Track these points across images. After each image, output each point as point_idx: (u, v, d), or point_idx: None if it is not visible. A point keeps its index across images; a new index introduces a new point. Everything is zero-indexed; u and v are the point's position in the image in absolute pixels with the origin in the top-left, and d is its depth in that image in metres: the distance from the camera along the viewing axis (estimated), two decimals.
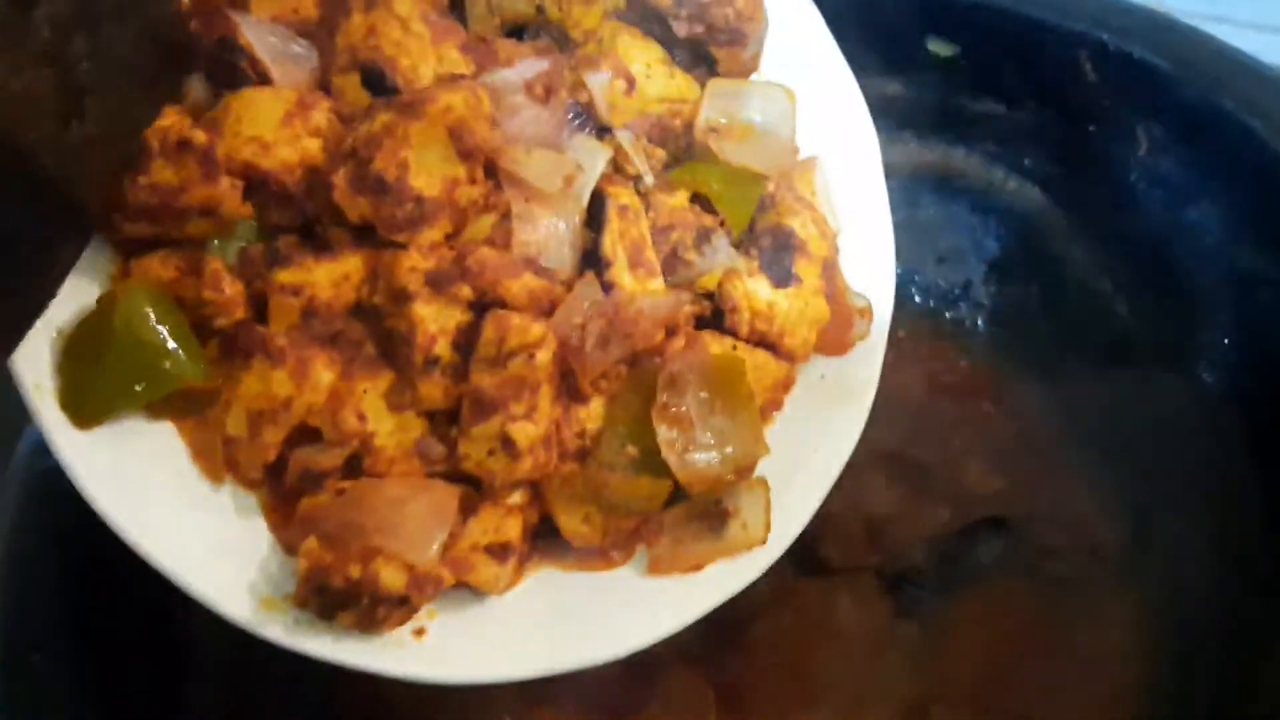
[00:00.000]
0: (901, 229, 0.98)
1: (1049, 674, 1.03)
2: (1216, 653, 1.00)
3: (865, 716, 1.02)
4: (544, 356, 0.78)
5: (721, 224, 0.88)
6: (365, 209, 0.77)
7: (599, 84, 0.87)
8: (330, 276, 0.79)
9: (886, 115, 1.01)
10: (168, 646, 0.97)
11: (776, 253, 0.88)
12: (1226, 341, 1.11)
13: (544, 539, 0.85)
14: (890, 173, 0.97)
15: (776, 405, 0.90)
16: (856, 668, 1.05)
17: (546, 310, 0.80)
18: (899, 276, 0.97)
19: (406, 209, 0.77)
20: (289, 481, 0.79)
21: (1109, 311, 1.22)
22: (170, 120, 0.77)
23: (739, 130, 0.91)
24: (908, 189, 1.07)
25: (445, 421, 0.81)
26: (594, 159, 0.84)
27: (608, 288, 0.82)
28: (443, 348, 0.78)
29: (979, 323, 1.29)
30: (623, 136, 0.87)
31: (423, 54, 0.82)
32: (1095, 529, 1.12)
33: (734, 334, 0.87)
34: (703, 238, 0.87)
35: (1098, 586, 1.08)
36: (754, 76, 0.96)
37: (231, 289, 0.78)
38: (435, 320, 0.78)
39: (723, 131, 0.90)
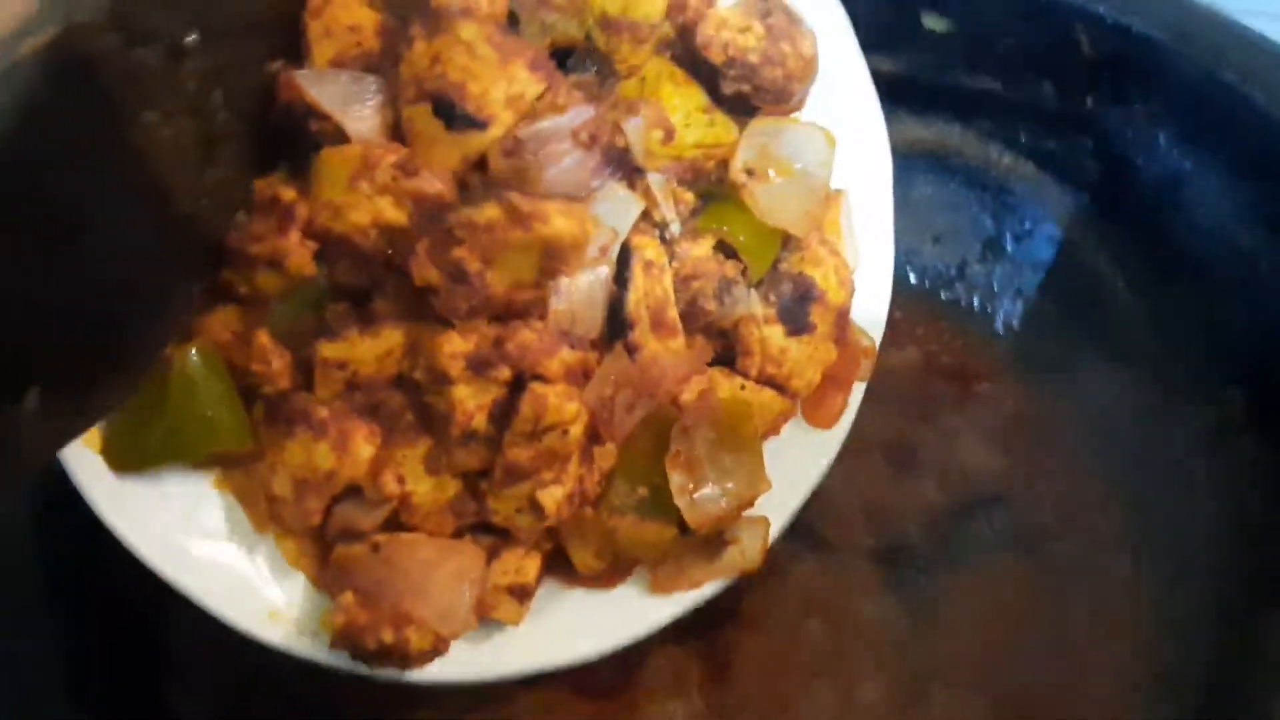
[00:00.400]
0: (897, 208, 0.99)
1: (1046, 650, 1.04)
2: (1214, 626, 0.99)
3: (860, 693, 1.02)
4: (576, 431, 0.82)
5: (744, 272, 0.90)
6: (434, 281, 0.78)
7: (636, 131, 0.86)
8: (374, 352, 0.81)
9: (881, 92, 1.00)
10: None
11: (796, 301, 0.90)
12: (1228, 318, 1.10)
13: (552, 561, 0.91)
14: None
15: (774, 432, 0.94)
16: (851, 645, 1.05)
17: (580, 379, 0.83)
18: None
19: (472, 302, 0.79)
20: (329, 534, 0.84)
21: (1108, 288, 1.21)
22: (270, 180, 0.81)
23: (775, 172, 0.91)
24: (903, 167, 1.06)
25: (477, 478, 0.85)
26: (626, 213, 0.85)
27: (632, 349, 0.85)
28: (479, 422, 0.82)
29: (975, 302, 1.28)
30: (654, 181, 0.88)
31: (492, 77, 0.80)
32: (1093, 507, 1.12)
33: (744, 375, 0.90)
34: (724, 289, 0.88)
35: (1095, 564, 1.08)
36: None
37: (278, 361, 0.81)
38: (473, 399, 0.81)
39: (758, 174, 0.90)
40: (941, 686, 1.02)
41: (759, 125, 0.92)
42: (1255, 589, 0.99)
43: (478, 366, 0.80)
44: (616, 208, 0.85)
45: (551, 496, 0.83)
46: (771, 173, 0.90)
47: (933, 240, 1.29)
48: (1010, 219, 1.26)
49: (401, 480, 0.83)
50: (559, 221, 0.79)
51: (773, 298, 0.91)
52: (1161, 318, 1.16)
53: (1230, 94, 1.05)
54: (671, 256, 0.88)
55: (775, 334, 0.90)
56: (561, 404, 0.81)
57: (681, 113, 0.90)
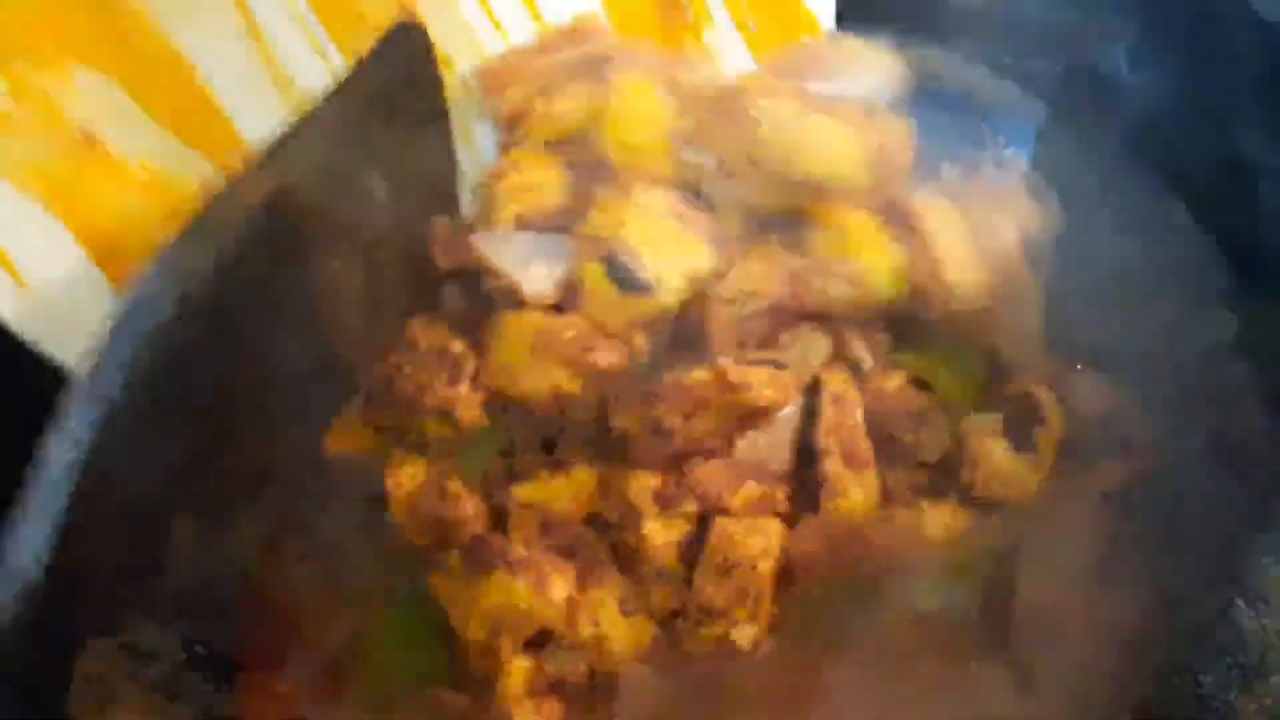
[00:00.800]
0: None
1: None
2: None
3: None
4: (765, 567, 0.83)
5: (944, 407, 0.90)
6: (631, 429, 0.82)
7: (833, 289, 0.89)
8: (566, 492, 0.85)
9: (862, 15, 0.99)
10: None
11: (1023, 419, 0.90)
12: (1219, 234, 1.10)
13: None
14: None
15: None
16: None
17: (767, 511, 0.85)
18: None
19: (667, 453, 0.82)
20: (536, 684, 0.83)
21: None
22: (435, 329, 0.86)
23: None
24: None
25: (672, 619, 0.85)
26: (815, 353, 0.89)
27: (821, 480, 0.85)
28: (670, 559, 0.84)
29: None
30: (846, 327, 0.90)
31: (669, 248, 0.84)
32: None
33: (966, 489, 0.89)
34: (919, 420, 0.89)
35: None
36: None
37: (471, 506, 0.85)
38: (663, 534, 0.83)
39: None
40: None
41: None
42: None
43: (665, 502, 0.83)
44: (806, 348, 0.89)
45: (745, 635, 0.83)
46: None
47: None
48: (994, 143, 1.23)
49: (597, 623, 0.83)
50: (765, 391, 0.82)
51: (997, 416, 0.91)
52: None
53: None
54: (864, 392, 0.88)
55: (1000, 447, 0.89)
56: (747, 537, 0.82)
57: (874, 270, 0.91)
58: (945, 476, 0.93)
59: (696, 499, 0.84)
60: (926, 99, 1.22)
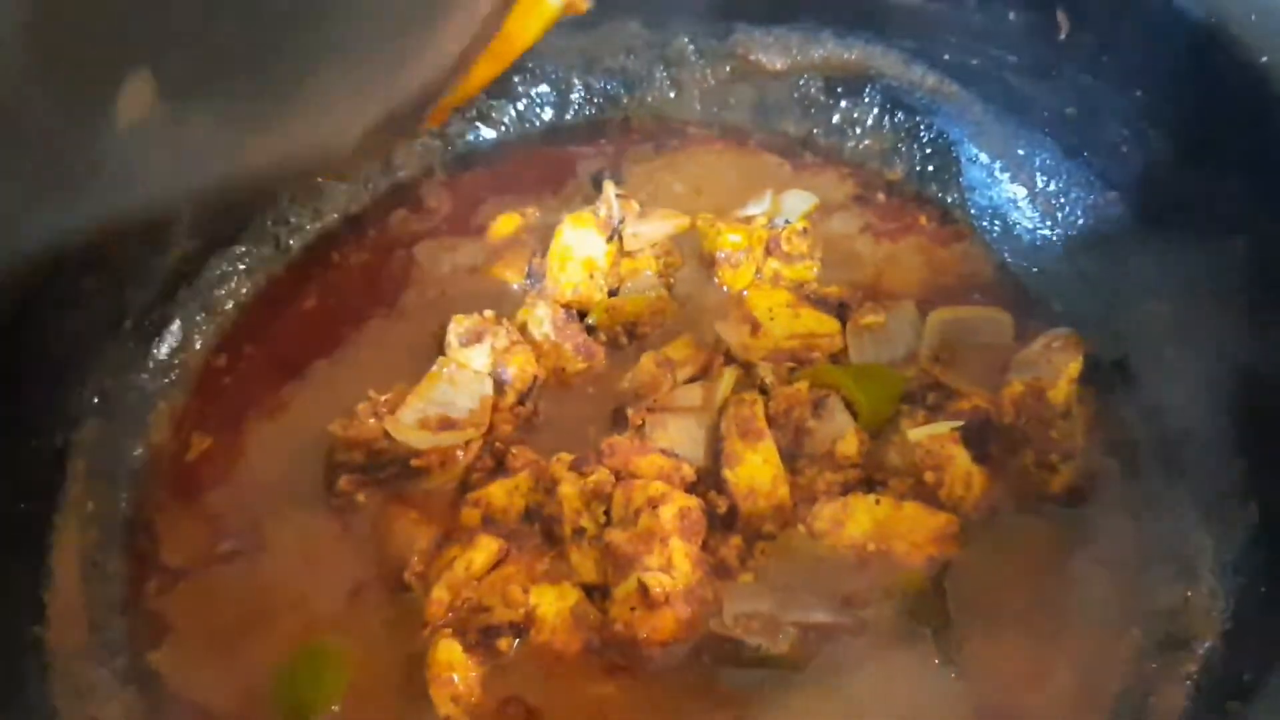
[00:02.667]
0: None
1: None
2: None
3: None
4: (668, 510, 0.92)
5: (850, 409, 1.01)
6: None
7: (726, 331, 1.09)
8: (504, 489, 0.98)
9: (805, 13, 1.04)
10: None
11: (978, 430, 1.00)
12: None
13: None
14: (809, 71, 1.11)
15: (935, 550, 0.96)
16: None
17: (677, 484, 0.96)
18: None
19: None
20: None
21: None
22: None
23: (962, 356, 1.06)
24: (827, 89, 1.10)
25: (600, 597, 0.93)
26: (726, 381, 1.04)
27: (729, 459, 0.97)
28: (586, 521, 0.94)
29: None
30: (759, 366, 1.05)
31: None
32: None
33: (934, 493, 0.97)
34: (819, 406, 1.01)
35: None
36: None
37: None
38: (578, 497, 0.95)
39: (944, 361, 1.06)
40: None
41: (941, 315, 1.09)
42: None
43: (577, 466, 0.96)
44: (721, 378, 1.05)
45: (659, 581, 0.89)
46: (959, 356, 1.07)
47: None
48: (936, 138, 1.24)
49: (526, 590, 0.92)
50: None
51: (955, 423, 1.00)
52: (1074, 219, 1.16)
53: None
54: (769, 398, 1.01)
55: (960, 454, 0.98)
56: (648, 486, 0.93)
57: (764, 309, 1.10)
58: (892, 476, 1.00)
59: (606, 464, 0.96)
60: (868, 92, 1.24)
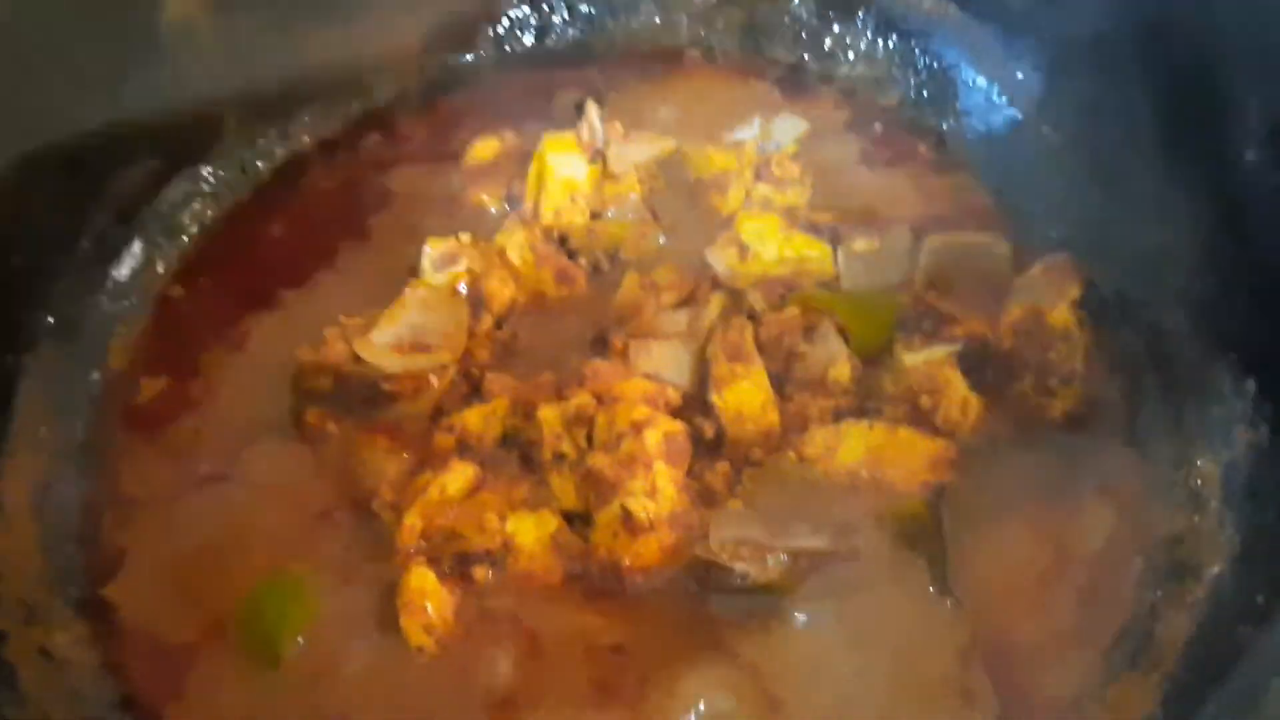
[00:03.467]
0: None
1: None
2: None
3: None
4: (653, 435, 0.87)
5: (843, 335, 0.97)
6: None
7: (714, 257, 1.04)
8: (479, 414, 0.93)
9: None
10: None
11: (977, 358, 0.96)
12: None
13: None
14: None
15: (932, 477, 0.92)
16: None
17: (662, 408, 0.91)
18: None
19: None
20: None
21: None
22: None
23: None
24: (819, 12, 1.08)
25: (581, 524, 0.89)
26: (715, 304, 0.99)
27: (716, 383, 0.93)
28: (567, 445, 0.90)
29: None
30: (747, 292, 1.00)
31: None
32: None
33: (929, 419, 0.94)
34: (809, 331, 0.97)
35: None
36: None
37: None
38: (559, 420, 0.90)
39: (940, 287, 1.01)
40: None
41: (936, 242, 1.04)
42: None
43: (557, 390, 0.93)
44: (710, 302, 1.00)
45: (643, 507, 0.85)
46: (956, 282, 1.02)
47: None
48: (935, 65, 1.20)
49: (503, 518, 0.87)
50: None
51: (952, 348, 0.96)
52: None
53: None
54: (759, 324, 0.97)
55: (957, 379, 0.94)
56: (631, 410, 0.89)
57: (756, 234, 1.04)
58: (886, 403, 0.96)
59: (588, 387, 0.91)
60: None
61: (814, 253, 1.04)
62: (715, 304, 1.00)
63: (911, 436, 0.92)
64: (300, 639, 0.87)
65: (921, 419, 0.94)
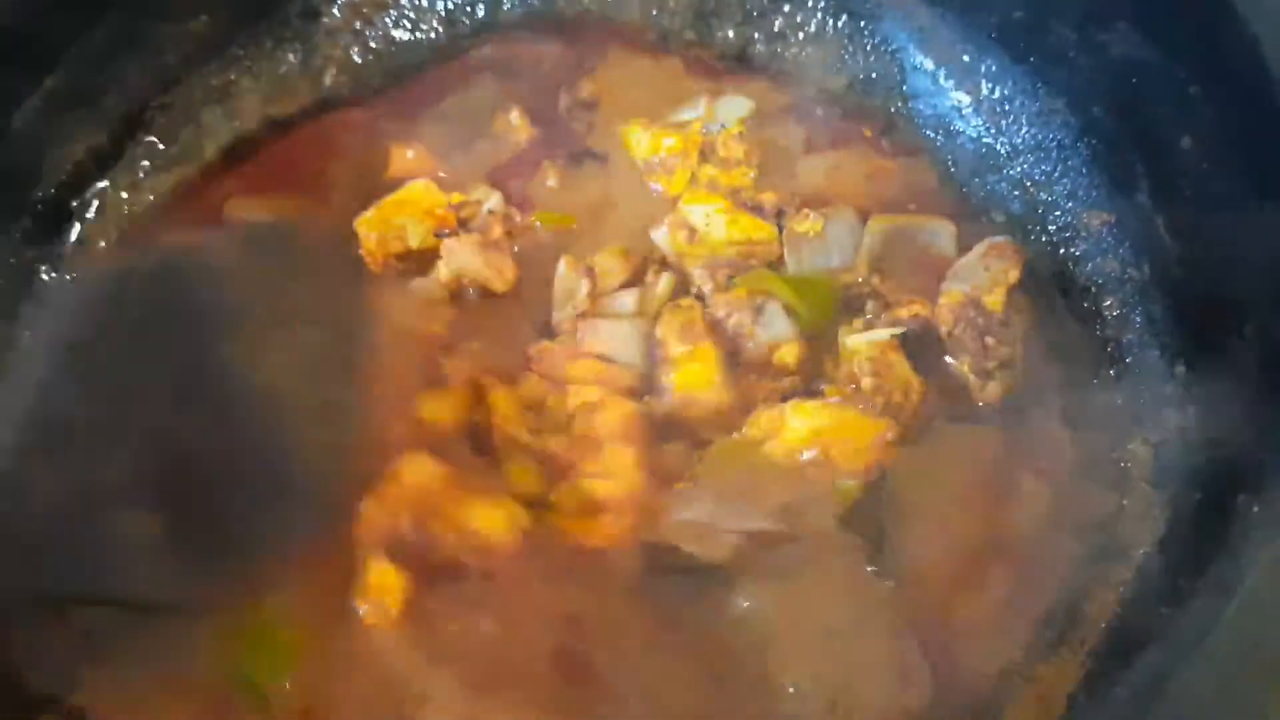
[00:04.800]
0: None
1: None
2: None
3: None
4: (606, 416, 0.90)
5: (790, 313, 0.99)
6: None
7: (660, 238, 1.05)
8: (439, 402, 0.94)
9: None
10: None
11: (917, 338, 0.98)
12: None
13: None
14: None
15: (877, 460, 0.94)
16: None
17: (613, 390, 0.93)
18: None
19: None
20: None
21: None
22: None
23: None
24: None
25: (540, 508, 0.90)
26: (661, 285, 1.01)
27: (667, 364, 0.95)
28: (517, 428, 0.91)
29: None
30: (694, 273, 1.02)
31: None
32: None
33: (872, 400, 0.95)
34: (758, 312, 0.98)
35: None
36: None
37: None
38: (506, 400, 0.92)
39: (884, 270, 1.03)
40: None
41: (880, 223, 1.05)
42: None
43: (508, 376, 0.94)
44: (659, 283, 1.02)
45: (604, 488, 0.88)
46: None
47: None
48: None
49: (463, 506, 0.88)
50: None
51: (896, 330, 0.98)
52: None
53: None
54: (706, 305, 0.99)
55: (900, 361, 0.96)
56: (581, 390, 0.91)
57: (702, 213, 1.05)
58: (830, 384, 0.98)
59: (536, 371, 0.94)
60: None
61: (760, 234, 1.05)
62: (665, 283, 1.01)
63: (855, 418, 0.94)
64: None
65: (864, 401, 0.95)
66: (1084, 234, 1.04)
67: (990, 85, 1.14)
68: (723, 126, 1.13)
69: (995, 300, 0.99)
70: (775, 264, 1.05)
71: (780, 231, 1.06)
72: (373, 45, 1.24)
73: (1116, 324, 0.99)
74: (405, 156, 1.12)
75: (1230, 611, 0.62)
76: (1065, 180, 1.07)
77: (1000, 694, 0.82)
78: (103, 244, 1.10)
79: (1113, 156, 1.01)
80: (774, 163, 1.13)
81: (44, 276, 1.07)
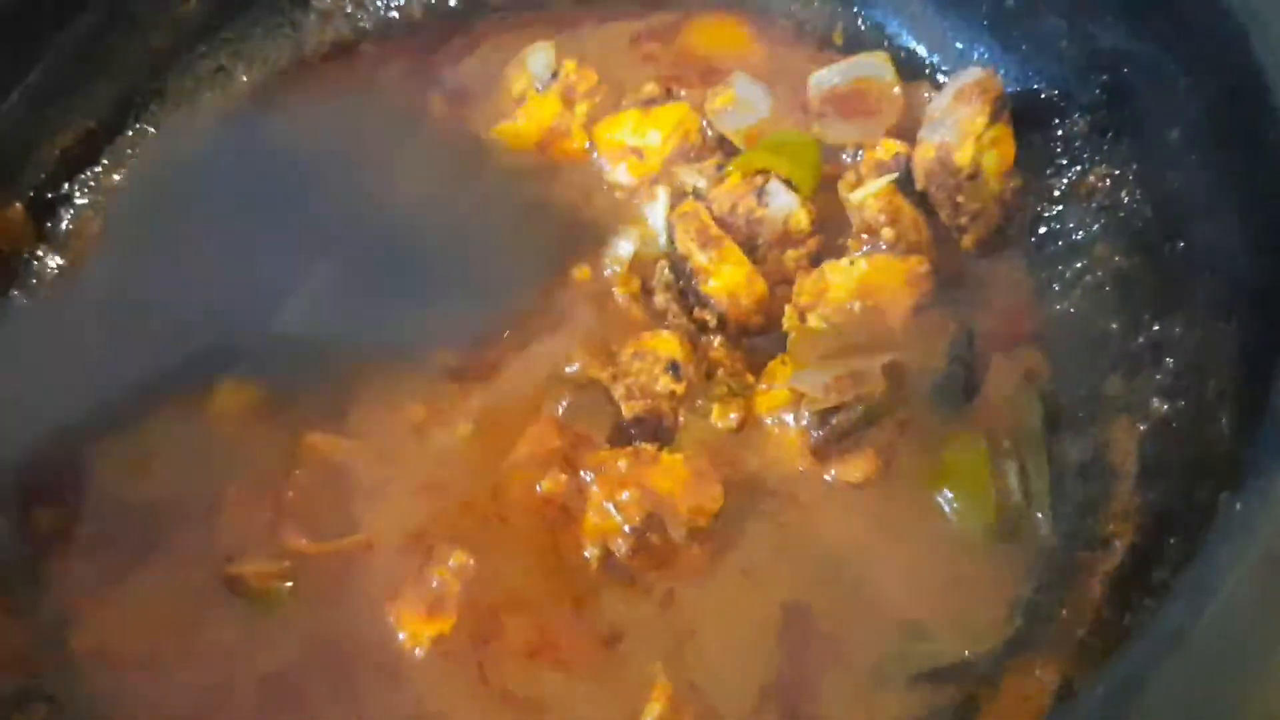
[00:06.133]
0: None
1: None
2: None
3: None
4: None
5: (789, 183, 1.02)
6: None
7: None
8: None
9: None
10: None
11: (906, 175, 1.03)
12: None
13: None
14: None
15: (918, 294, 0.99)
16: None
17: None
18: None
19: None
20: None
21: None
22: None
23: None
24: None
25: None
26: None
27: (699, 275, 1.00)
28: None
29: None
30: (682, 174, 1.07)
31: None
32: None
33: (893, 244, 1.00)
34: (760, 193, 1.02)
35: None
36: None
37: None
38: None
39: (830, 115, 1.10)
40: None
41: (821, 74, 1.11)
42: None
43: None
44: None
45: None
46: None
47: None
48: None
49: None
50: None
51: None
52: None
53: None
54: (708, 201, 1.03)
55: (906, 206, 1.01)
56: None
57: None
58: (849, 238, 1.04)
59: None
60: None
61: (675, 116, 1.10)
62: (661, 195, 1.07)
63: (888, 262, 1.00)
64: None
65: (888, 245, 1.01)
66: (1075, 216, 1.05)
67: None
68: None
69: (964, 156, 1.01)
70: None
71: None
72: (364, 28, 1.24)
73: (1107, 314, 1.00)
74: None
75: (1211, 610, 0.63)
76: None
77: (982, 687, 0.84)
78: (96, 229, 1.11)
79: (1104, 149, 1.02)
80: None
81: (37, 261, 1.08)
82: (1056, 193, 1.06)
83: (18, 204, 1.07)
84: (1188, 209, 0.93)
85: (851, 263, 0.99)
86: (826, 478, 0.93)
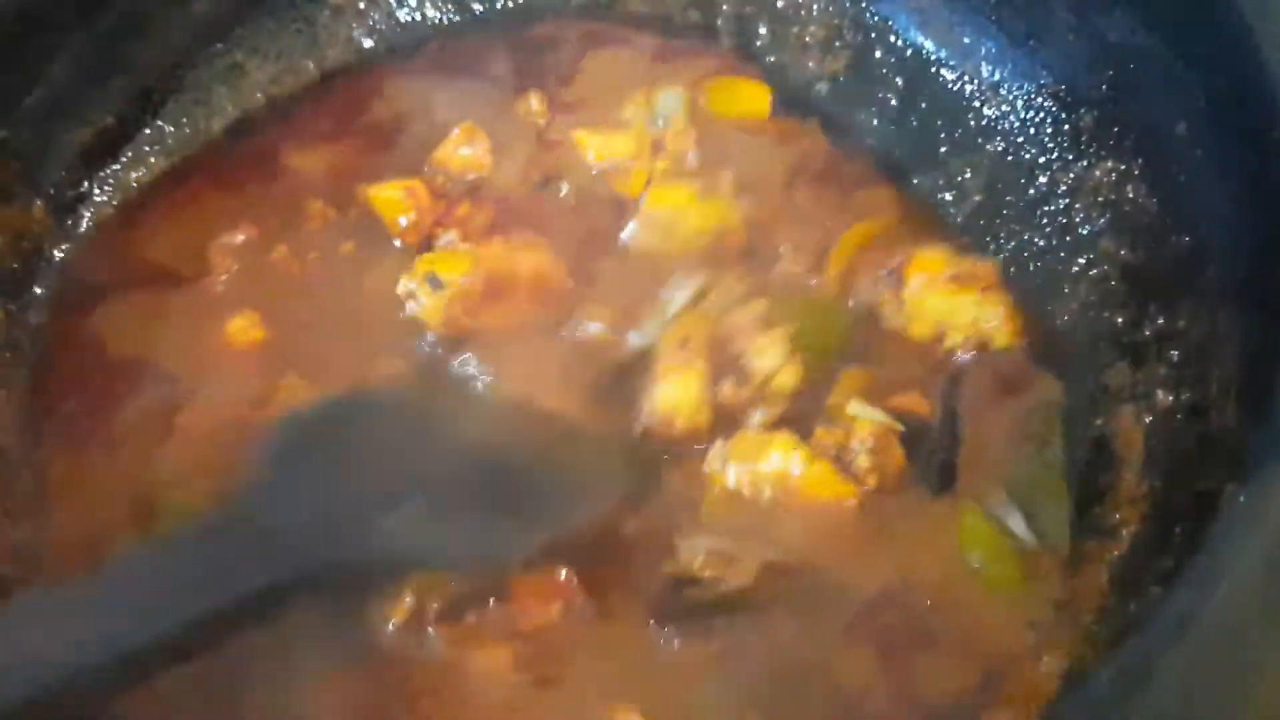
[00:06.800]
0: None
1: None
2: None
3: None
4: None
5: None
6: None
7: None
8: None
9: None
10: None
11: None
12: None
13: None
14: None
15: None
16: None
17: None
18: None
19: None
20: None
21: None
22: None
23: None
24: None
25: None
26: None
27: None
28: None
29: None
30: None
31: None
32: None
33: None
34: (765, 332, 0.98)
35: None
36: None
37: None
38: None
39: None
40: None
41: None
42: None
43: None
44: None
45: None
46: None
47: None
48: None
49: None
50: None
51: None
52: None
53: None
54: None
55: (899, 456, 0.94)
56: None
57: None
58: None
59: None
60: None
61: (727, 220, 1.06)
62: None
63: (829, 476, 0.92)
64: None
65: (847, 466, 0.94)
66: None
67: (990, 68, 1.15)
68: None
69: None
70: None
71: None
72: (378, 26, 1.25)
73: (1111, 309, 1.01)
74: None
75: (1217, 598, 0.64)
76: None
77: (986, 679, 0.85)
78: (114, 226, 1.12)
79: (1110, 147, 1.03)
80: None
81: (57, 259, 1.10)
82: (1063, 187, 1.07)
83: (38, 201, 1.07)
84: (1194, 203, 0.95)
85: (797, 446, 0.92)
86: None
